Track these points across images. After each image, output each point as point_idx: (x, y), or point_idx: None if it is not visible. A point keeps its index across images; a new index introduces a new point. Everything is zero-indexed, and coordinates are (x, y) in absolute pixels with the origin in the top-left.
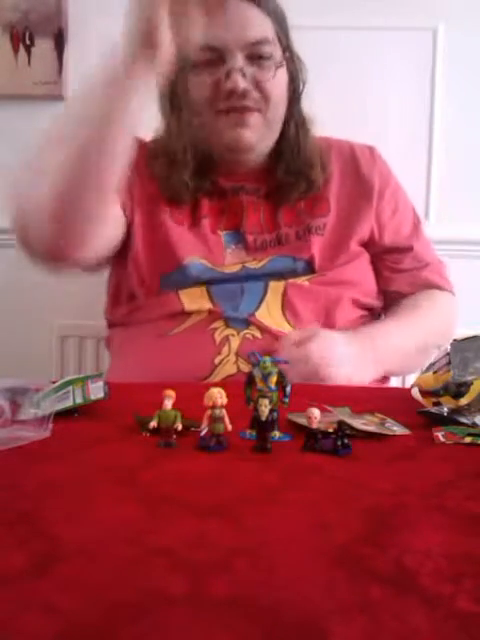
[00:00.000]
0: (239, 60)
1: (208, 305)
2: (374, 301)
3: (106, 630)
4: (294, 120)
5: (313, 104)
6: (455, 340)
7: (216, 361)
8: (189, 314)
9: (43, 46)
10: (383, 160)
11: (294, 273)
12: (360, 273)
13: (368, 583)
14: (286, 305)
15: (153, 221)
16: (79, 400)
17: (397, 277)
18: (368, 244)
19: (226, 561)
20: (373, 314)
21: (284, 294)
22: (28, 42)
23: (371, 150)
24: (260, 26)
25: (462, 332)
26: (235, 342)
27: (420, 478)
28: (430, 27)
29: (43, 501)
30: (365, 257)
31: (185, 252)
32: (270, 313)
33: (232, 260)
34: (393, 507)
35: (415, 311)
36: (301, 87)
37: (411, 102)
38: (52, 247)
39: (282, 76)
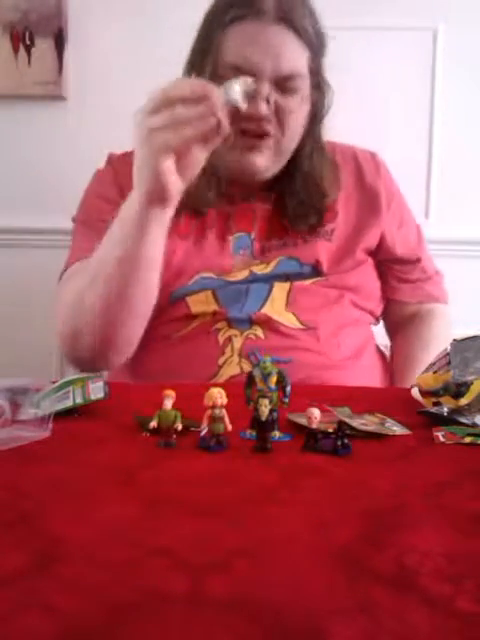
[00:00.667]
0: (266, 87)
1: (213, 307)
2: (374, 307)
3: (106, 630)
4: (311, 143)
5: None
6: (455, 340)
7: (220, 362)
8: (194, 316)
9: (43, 46)
10: (386, 168)
11: (300, 276)
12: (363, 279)
13: (368, 583)
14: (290, 301)
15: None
16: (79, 400)
17: (403, 287)
18: (376, 252)
19: (226, 561)
20: (372, 318)
21: (289, 293)
22: (28, 42)
23: (374, 157)
24: (294, 59)
25: (462, 332)
26: (238, 342)
27: (420, 478)
28: (430, 27)
29: (43, 501)
30: (369, 263)
31: (193, 270)
32: (274, 308)
33: (240, 266)
34: (393, 507)
35: (426, 353)
36: (324, 111)
37: (411, 102)
38: (103, 363)
39: (305, 108)
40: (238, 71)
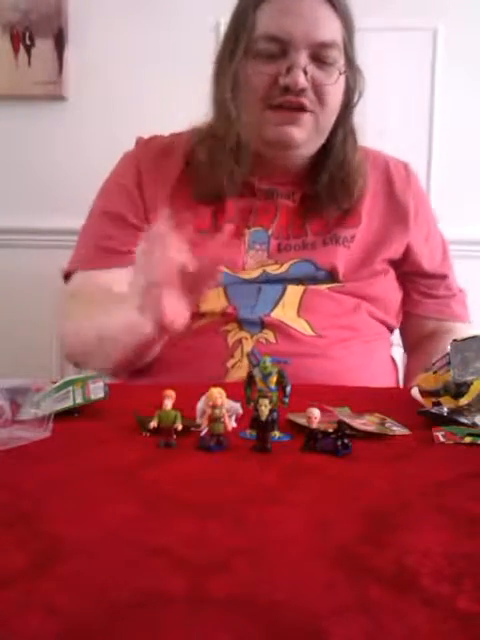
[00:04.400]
0: (303, 57)
1: (223, 304)
2: (391, 320)
3: (106, 630)
4: (344, 129)
5: (362, 115)
6: (455, 340)
7: (228, 365)
8: (203, 314)
9: (43, 46)
10: (417, 179)
11: (315, 280)
12: (381, 290)
13: (368, 583)
14: (303, 307)
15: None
16: (79, 400)
17: (427, 302)
18: (400, 264)
19: (226, 561)
20: (388, 331)
21: (302, 297)
22: (28, 42)
23: (406, 167)
24: (331, 28)
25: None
26: (248, 346)
27: (420, 478)
28: (430, 27)
29: (43, 501)
30: (390, 275)
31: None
32: (285, 313)
33: (253, 264)
34: (393, 507)
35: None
36: (356, 98)
37: (411, 102)
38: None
39: (340, 83)
40: (274, 41)
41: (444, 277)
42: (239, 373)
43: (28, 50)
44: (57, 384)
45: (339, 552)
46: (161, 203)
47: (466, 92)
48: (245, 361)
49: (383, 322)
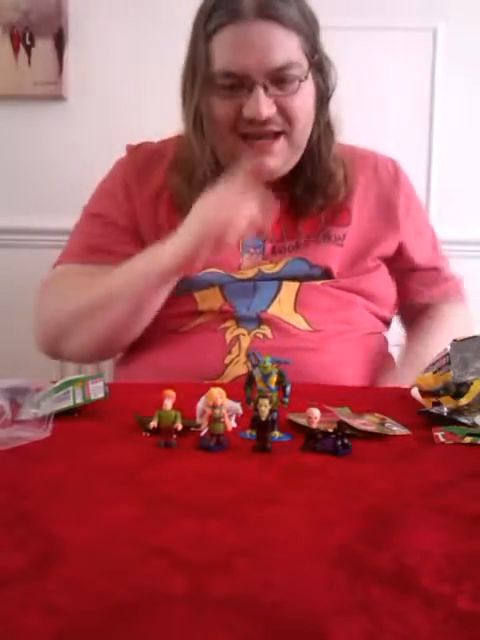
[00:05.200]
0: (261, 86)
1: (220, 302)
2: (387, 313)
3: (106, 630)
4: (319, 127)
5: (338, 106)
6: (455, 340)
7: (226, 361)
8: (201, 312)
9: (43, 46)
10: (405, 176)
11: (310, 277)
12: (375, 286)
13: (368, 583)
14: (299, 302)
15: (167, 233)
16: (79, 400)
17: (423, 291)
18: (393, 260)
19: (226, 561)
20: (384, 325)
21: (298, 293)
22: (28, 42)
23: (394, 165)
24: (284, 48)
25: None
26: (245, 342)
27: (420, 478)
28: (430, 27)
29: (43, 501)
30: (383, 270)
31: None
32: (282, 308)
33: (248, 265)
34: (393, 507)
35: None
36: (329, 92)
37: (411, 102)
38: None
39: (308, 93)
40: (231, 76)
41: (437, 269)
42: (237, 369)
43: (28, 50)
44: (57, 384)
45: (339, 552)
46: (148, 209)
47: (466, 92)
48: (243, 357)
49: (378, 316)
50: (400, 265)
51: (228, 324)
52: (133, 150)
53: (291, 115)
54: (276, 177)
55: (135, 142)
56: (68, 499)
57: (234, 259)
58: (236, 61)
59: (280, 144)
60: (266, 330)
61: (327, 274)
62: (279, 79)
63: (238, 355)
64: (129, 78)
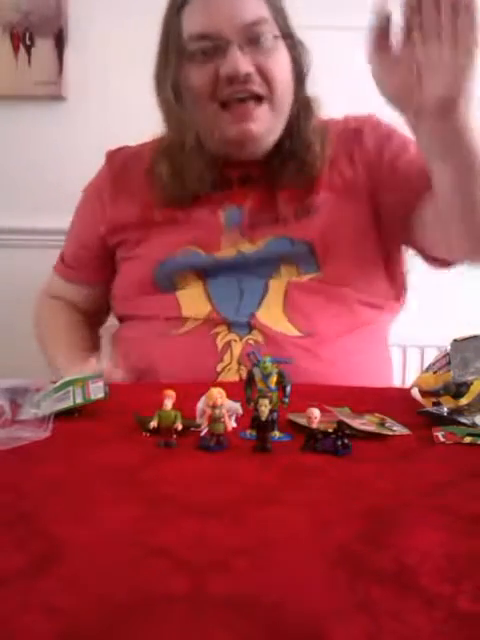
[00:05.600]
0: (236, 44)
1: (207, 308)
2: (383, 300)
3: (106, 630)
4: (297, 104)
5: (319, 90)
6: (455, 340)
7: (218, 369)
8: (186, 319)
9: (43, 46)
10: (373, 124)
11: (293, 258)
12: (364, 273)
13: (368, 583)
14: (288, 304)
15: (144, 218)
16: (79, 400)
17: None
18: (382, 215)
19: (226, 561)
20: (386, 313)
21: (286, 293)
22: (28, 42)
23: (357, 120)
24: (253, 6)
25: (462, 332)
26: (237, 348)
27: (420, 478)
28: None
29: (43, 501)
30: (368, 249)
31: (181, 242)
32: (270, 313)
33: (227, 244)
34: (393, 507)
35: None
36: (305, 70)
37: None
38: None
39: (284, 57)
40: (203, 39)
41: (412, 161)
42: (228, 377)
43: (28, 50)
44: (57, 384)
45: (339, 552)
46: (128, 210)
47: None
48: (235, 365)
49: (372, 305)
50: (393, 212)
51: (219, 329)
52: (110, 156)
53: (269, 76)
54: (260, 146)
55: (114, 148)
56: (68, 499)
57: (214, 239)
58: (207, 22)
59: (262, 109)
60: (257, 336)
61: (312, 251)
62: (253, 37)
63: (230, 363)
64: (129, 78)
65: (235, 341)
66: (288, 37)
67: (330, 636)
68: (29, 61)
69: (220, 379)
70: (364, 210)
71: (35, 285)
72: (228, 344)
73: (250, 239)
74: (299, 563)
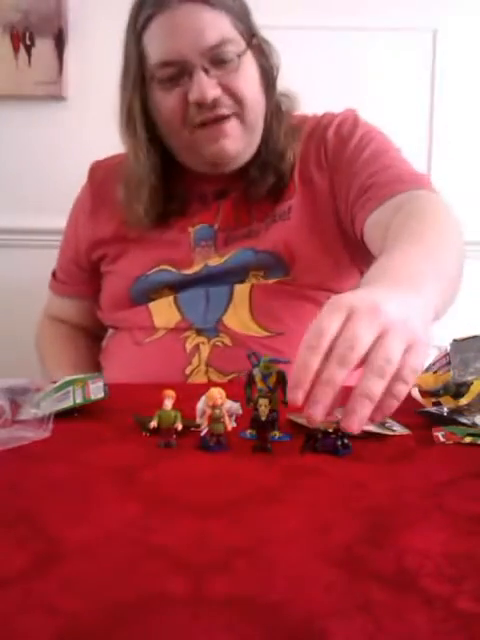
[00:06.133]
0: (201, 68)
1: (176, 317)
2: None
3: (106, 630)
4: (269, 109)
5: (299, 91)
6: (455, 340)
7: (187, 371)
8: (157, 329)
9: (43, 46)
10: (342, 123)
11: (260, 266)
12: (338, 273)
13: (368, 583)
14: (254, 307)
15: (121, 234)
16: (79, 400)
17: (386, 188)
18: (348, 217)
19: (226, 561)
20: None
21: (250, 296)
22: (28, 42)
23: (326, 118)
24: (215, 27)
25: (462, 332)
26: (205, 351)
27: (420, 478)
28: (430, 27)
29: (43, 501)
30: (340, 253)
31: (154, 260)
32: (238, 317)
33: (198, 260)
34: (393, 507)
35: (408, 227)
36: (274, 73)
37: (411, 102)
38: None
39: (251, 72)
40: (168, 66)
41: (372, 174)
42: (198, 379)
43: (28, 50)
44: (57, 384)
45: (339, 552)
46: (106, 226)
47: (466, 92)
48: (203, 367)
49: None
50: (348, 198)
51: (187, 334)
52: (92, 170)
53: (238, 95)
54: (236, 162)
55: (99, 159)
56: (68, 499)
57: (185, 256)
58: (170, 48)
59: (232, 124)
60: (225, 338)
61: (278, 258)
62: (217, 59)
63: (198, 365)
64: None
65: (203, 344)
66: (254, 47)
67: (330, 636)
68: (29, 61)
69: (189, 382)
70: (330, 210)
71: (35, 285)
72: (196, 347)
73: (220, 254)
74: (299, 563)
